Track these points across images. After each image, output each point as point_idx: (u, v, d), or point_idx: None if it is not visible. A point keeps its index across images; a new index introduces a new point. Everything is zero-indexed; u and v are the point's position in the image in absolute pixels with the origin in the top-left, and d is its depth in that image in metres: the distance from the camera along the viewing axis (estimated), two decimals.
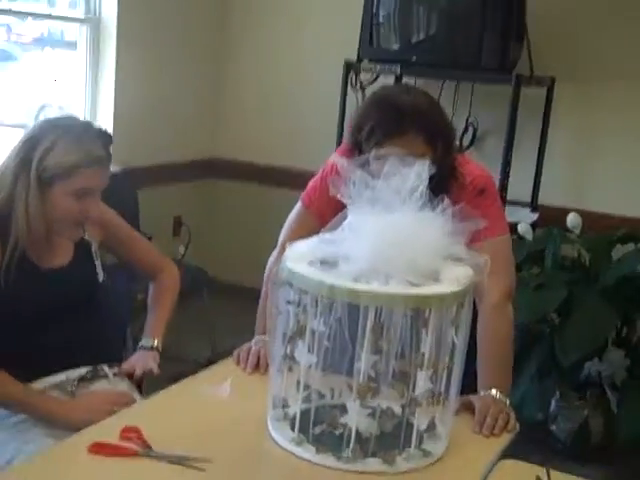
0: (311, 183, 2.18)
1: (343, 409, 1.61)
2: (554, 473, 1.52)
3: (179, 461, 1.49)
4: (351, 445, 1.54)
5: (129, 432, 1.56)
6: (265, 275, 2.15)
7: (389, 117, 1.91)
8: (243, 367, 1.93)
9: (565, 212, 3.36)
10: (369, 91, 3.80)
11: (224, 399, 1.77)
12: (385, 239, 1.54)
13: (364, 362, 1.52)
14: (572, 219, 3.34)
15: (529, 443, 2.01)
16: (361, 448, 1.55)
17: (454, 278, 1.56)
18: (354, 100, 3.68)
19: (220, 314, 3.94)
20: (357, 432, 1.56)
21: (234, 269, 4.48)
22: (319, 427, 1.60)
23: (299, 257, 1.61)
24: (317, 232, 2.12)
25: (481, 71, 3.50)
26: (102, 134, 1.91)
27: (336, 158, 2.11)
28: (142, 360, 2.02)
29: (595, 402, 3.21)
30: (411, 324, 1.52)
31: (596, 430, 3.19)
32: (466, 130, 3.85)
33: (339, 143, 3.66)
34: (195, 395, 1.79)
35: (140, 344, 2.11)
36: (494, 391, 1.83)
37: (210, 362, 3.61)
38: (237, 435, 1.64)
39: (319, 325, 1.55)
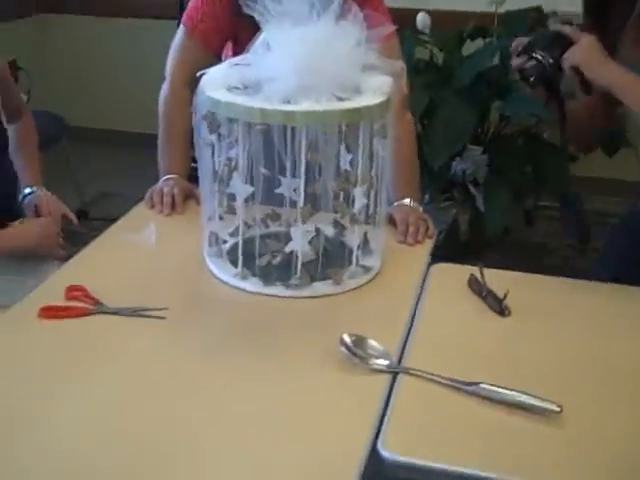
0: (191, 5, 2.00)
1: (280, 237, 1.61)
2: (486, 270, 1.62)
3: (135, 313, 1.44)
4: (298, 272, 1.57)
5: (73, 291, 1.48)
6: (160, 111, 2.01)
7: None
8: (159, 210, 1.85)
9: (412, 13, 3.36)
10: None
11: (153, 244, 1.72)
12: (307, 54, 1.46)
13: (302, 184, 1.48)
14: (421, 19, 3.30)
15: None
16: (307, 273, 1.57)
17: (377, 88, 1.51)
18: None
19: (82, 161, 3.77)
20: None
21: (86, 112, 4.24)
22: (260, 259, 1.60)
23: (217, 85, 1.51)
24: (205, 59, 2.03)
25: None
26: None
27: None
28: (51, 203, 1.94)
29: (462, 201, 3.33)
30: (342, 140, 1.50)
31: (464, 228, 3.34)
32: None
33: None
34: (123, 245, 1.70)
35: (25, 194, 2.00)
36: (407, 200, 1.85)
37: (82, 212, 3.51)
38: (181, 278, 1.59)
39: (251, 154, 1.50)
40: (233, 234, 1.66)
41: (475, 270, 1.60)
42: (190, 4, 2.03)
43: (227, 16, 1.98)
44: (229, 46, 2.11)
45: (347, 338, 1.35)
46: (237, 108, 1.45)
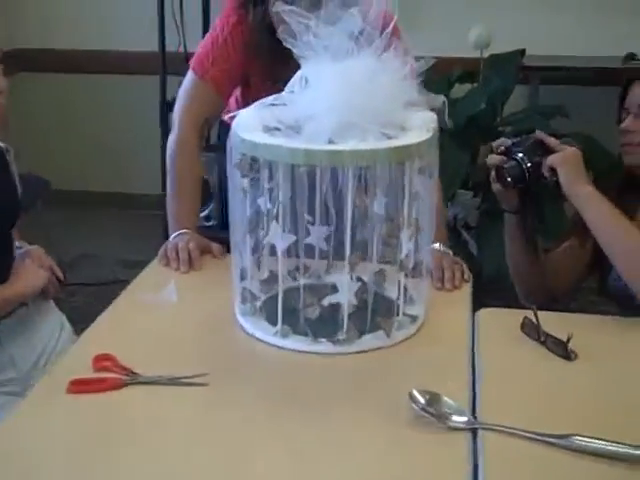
0: (201, 49, 1.92)
1: (313, 289, 1.50)
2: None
3: (174, 382, 1.30)
4: (345, 326, 1.45)
5: (102, 361, 1.34)
6: (169, 162, 1.91)
7: None
8: (175, 267, 1.72)
9: None
10: None
11: (175, 304, 1.58)
12: (349, 90, 1.36)
13: (349, 230, 1.37)
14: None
15: None
16: (354, 327, 1.46)
17: (422, 124, 1.42)
18: None
19: (57, 223, 3.62)
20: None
21: (63, 173, 4.09)
22: (303, 313, 1.47)
23: (251, 127, 1.40)
24: (217, 105, 1.95)
25: None
26: None
27: (230, 17, 1.90)
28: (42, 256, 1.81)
29: (454, 246, 3.27)
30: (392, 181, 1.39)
31: None
32: None
33: (161, 21, 3.37)
34: (145, 306, 1.56)
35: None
36: (437, 244, 1.75)
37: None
38: (215, 340, 1.46)
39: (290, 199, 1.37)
40: (263, 288, 1.54)
41: (527, 313, 1.50)
42: (200, 48, 1.95)
43: (239, 59, 1.90)
44: (237, 92, 2.02)
45: (418, 395, 1.23)
46: (278, 150, 1.34)
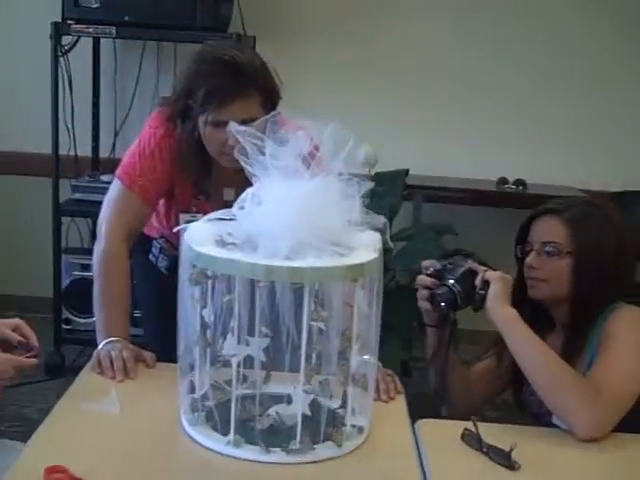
0: (127, 159, 1.95)
1: (255, 399, 1.51)
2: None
3: None
4: (298, 436, 1.45)
5: (54, 473, 1.30)
6: (95, 271, 1.88)
7: (229, 77, 1.78)
8: (111, 376, 1.69)
9: None
10: (72, 56, 3.51)
11: (118, 413, 1.54)
12: (302, 209, 1.43)
13: (304, 344, 1.41)
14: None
15: None
16: (309, 437, 1.46)
17: (369, 244, 1.50)
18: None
19: None
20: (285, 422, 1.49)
21: None
22: (252, 422, 1.48)
23: (203, 241, 1.45)
24: (144, 214, 1.96)
25: (197, 30, 3.36)
26: None
27: (157, 129, 1.94)
28: None
29: None
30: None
31: None
32: None
33: (55, 118, 3.34)
34: (87, 416, 1.52)
35: None
36: (367, 356, 1.83)
37: None
38: (166, 451, 1.46)
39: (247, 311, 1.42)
40: (205, 398, 1.54)
41: (463, 424, 1.57)
42: (125, 159, 1.97)
43: (166, 170, 1.93)
44: (161, 202, 2.04)
45: None
46: (238, 265, 1.38)
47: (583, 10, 3.84)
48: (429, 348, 1.89)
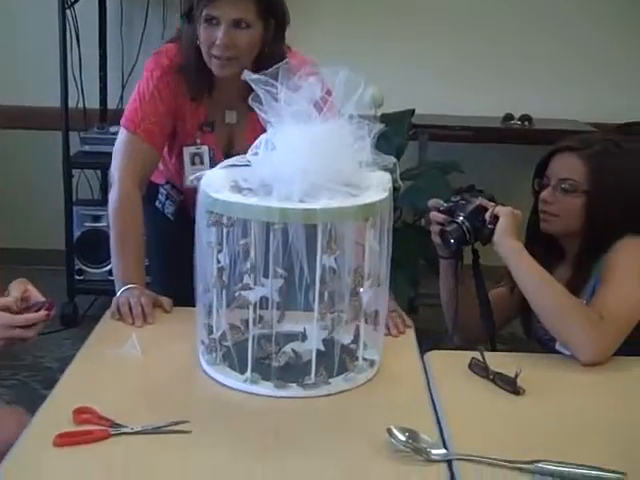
0: (130, 106, 2.02)
1: (270, 338, 1.57)
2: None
3: (158, 431, 1.34)
4: (313, 371, 1.52)
5: (82, 413, 1.37)
6: (111, 218, 1.94)
7: None
8: (130, 322, 1.75)
9: None
10: (79, 8, 3.52)
11: (141, 357, 1.62)
12: (315, 153, 1.47)
13: (318, 282, 1.46)
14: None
15: None
16: (324, 372, 1.52)
17: (379, 184, 1.55)
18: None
19: None
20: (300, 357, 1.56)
21: None
22: (274, 360, 1.54)
23: (219, 187, 1.49)
24: (153, 157, 2.02)
25: None
26: None
27: (153, 71, 1.98)
28: None
29: None
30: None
31: None
32: None
33: (64, 71, 3.37)
34: (111, 359, 1.59)
35: None
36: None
37: None
38: (188, 390, 1.53)
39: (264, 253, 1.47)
40: (223, 338, 1.60)
41: (471, 354, 1.63)
42: (128, 106, 2.03)
43: (168, 109, 1.99)
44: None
45: (397, 431, 1.33)
46: (254, 209, 1.43)
47: None
48: (442, 279, 1.94)
